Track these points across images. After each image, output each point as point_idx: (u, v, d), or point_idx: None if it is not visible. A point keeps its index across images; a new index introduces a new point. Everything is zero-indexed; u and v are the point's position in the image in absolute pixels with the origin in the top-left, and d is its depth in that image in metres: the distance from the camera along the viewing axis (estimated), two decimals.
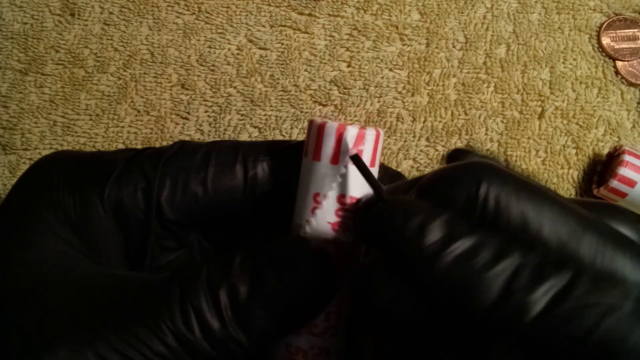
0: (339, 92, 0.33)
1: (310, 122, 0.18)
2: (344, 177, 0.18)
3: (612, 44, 0.34)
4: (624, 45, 0.34)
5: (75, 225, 0.18)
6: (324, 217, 0.18)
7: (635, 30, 0.34)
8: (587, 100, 0.33)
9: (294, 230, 0.18)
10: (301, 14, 0.34)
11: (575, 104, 0.33)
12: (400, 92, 0.33)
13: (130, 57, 0.33)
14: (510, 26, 0.34)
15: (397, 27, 0.34)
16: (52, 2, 0.34)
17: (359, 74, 0.33)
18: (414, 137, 0.32)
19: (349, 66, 0.33)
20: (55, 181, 0.19)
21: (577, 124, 0.33)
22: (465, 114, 0.33)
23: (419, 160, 0.32)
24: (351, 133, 0.17)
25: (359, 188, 0.18)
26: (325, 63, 0.33)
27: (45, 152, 0.32)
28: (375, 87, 0.33)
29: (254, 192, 0.20)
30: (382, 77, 0.33)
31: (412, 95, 0.33)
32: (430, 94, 0.33)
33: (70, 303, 0.16)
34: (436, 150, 0.32)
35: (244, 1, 0.34)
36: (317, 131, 0.18)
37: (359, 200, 0.18)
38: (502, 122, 0.33)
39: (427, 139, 0.33)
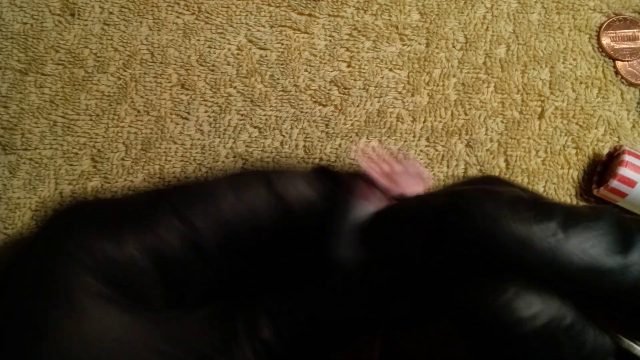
0: (339, 92, 0.33)
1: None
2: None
3: (612, 44, 0.34)
4: (624, 45, 0.34)
5: (110, 272, 0.18)
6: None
7: (635, 30, 0.34)
8: (587, 100, 0.33)
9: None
10: (301, 14, 0.34)
11: (575, 104, 0.33)
12: (400, 92, 0.33)
13: (130, 57, 0.33)
14: (510, 26, 0.34)
15: (397, 27, 0.34)
16: (52, 2, 0.34)
17: (359, 74, 0.33)
18: (414, 137, 0.32)
19: (349, 66, 0.34)
20: (83, 232, 0.18)
21: (577, 124, 0.33)
22: (465, 114, 0.33)
23: (419, 160, 0.32)
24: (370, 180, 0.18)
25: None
26: (325, 63, 0.33)
27: (45, 152, 0.32)
28: (375, 87, 0.33)
29: (287, 215, 0.19)
30: (382, 77, 0.33)
31: (412, 95, 0.33)
32: (430, 94, 0.33)
33: None
34: (436, 150, 0.32)
35: (244, 1, 0.34)
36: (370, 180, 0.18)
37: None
38: (502, 122, 0.33)
39: (427, 139, 0.33)
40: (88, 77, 0.33)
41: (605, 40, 0.34)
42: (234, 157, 0.32)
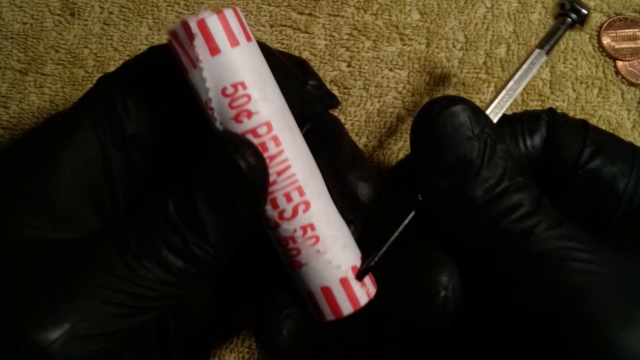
0: (339, 92, 0.33)
1: (168, 43, 0.18)
2: (209, 72, 0.17)
3: (612, 43, 0.34)
4: (625, 45, 0.34)
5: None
6: (224, 117, 0.18)
7: (635, 30, 0.34)
8: (588, 100, 0.33)
9: None
10: (301, 13, 0.34)
11: (576, 104, 0.33)
12: (400, 92, 0.33)
13: (130, 57, 0.33)
14: (511, 26, 0.34)
15: (397, 27, 0.34)
16: (52, 2, 0.34)
17: (359, 74, 0.33)
18: None
19: (349, 66, 0.33)
20: None
21: None
22: None
23: None
24: (181, 33, 0.17)
25: (231, 73, 0.18)
26: (325, 63, 0.33)
27: None
28: (376, 87, 0.33)
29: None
30: (383, 77, 0.33)
31: (412, 95, 0.33)
32: (431, 94, 0.33)
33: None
34: None
35: (244, 1, 0.34)
36: (171, 50, 0.18)
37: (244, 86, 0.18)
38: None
39: None
40: (88, 77, 0.33)
41: (605, 40, 0.34)
42: None
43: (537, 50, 0.23)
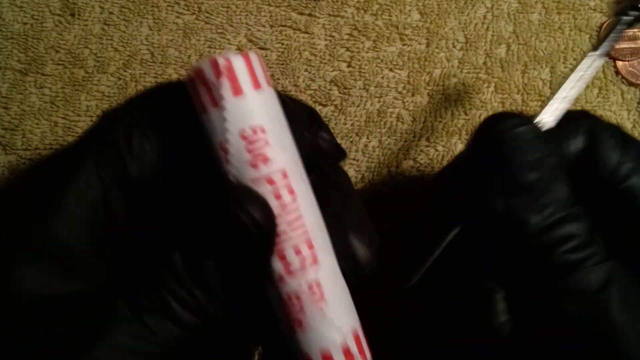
0: (339, 92, 0.33)
1: (187, 83, 0.18)
2: (231, 112, 0.17)
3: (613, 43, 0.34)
4: (624, 45, 0.34)
5: None
6: (240, 160, 0.17)
7: (635, 30, 0.34)
8: (588, 100, 0.33)
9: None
10: (301, 14, 0.34)
11: (576, 104, 0.33)
12: (400, 92, 0.33)
13: (130, 57, 0.33)
14: (511, 26, 0.34)
15: (397, 27, 0.34)
16: (52, 2, 0.34)
17: (359, 74, 0.33)
18: (414, 137, 0.33)
19: (349, 66, 0.34)
20: None
21: None
22: (466, 114, 0.33)
23: (419, 160, 0.32)
24: (207, 70, 0.17)
25: (252, 116, 0.17)
26: (325, 63, 0.33)
27: (45, 153, 0.32)
28: (376, 87, 0.33)
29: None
30: (383, 77, 0.33)
31: (412, 95, 0.33)
32: (431, 94, 0.33)
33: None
34: (436, 150, 0.32)
35: (244, 1, 0.34)
36: (190, 89, 0.18)
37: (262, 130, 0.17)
38: None
39: (427, 139, 0.33)
40: (88, 78, 0.33)
41: None
42: None
43: (591, 53, 0.22)
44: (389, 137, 0.33)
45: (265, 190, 0.17)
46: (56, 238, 0.18)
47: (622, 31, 0.23)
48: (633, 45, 0.34)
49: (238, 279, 0.17)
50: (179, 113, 0.18)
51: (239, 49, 0.34)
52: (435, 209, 0.23)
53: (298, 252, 0.18)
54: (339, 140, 0.32)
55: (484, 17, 0.34)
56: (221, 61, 0.17)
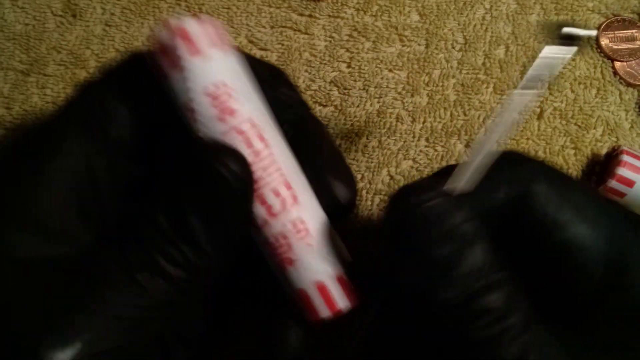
0: (339, 93, 0.33)
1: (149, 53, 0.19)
2: (191, 71, 0.18)
3: (610, 44, 0.34)
4: (623, 46, 0.34)
5: None
6: (207, 116, 0.18)
7: (633, 31, 0.34)
8: (586, 100, 0.33)
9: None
10: (301, 15, 0.34)
11: (574, 105, 0.33)
12: (399, 93, 0.33)
13: None
14: (509, 27, 0.35)
15: (396, 28, 0.34)
16: (54, 3, 0.34)
17: (359, 75, 0.33)
18: (413, 137, 0.33)
19: (348, 67, 0.34)
20: None
21: (575, 124, 0.33)
22: (465, 114, 0.33)
23: (418, 160, 0.32)
24: (163, 34, 0.18)
25: (212, 73, 0.18)
26: (325, 64, 0.34)
27: None
28: (375, 87, 0.33)
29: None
30: (382, 78, 0.34)
31: (412, 95, 0.33)
32: (430, 95, 0.33)
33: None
34: (435, 150, 0.33)
35: (244, 2, 0.35)
36: (152, 57, 0.18)
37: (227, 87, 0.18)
38: None
39: (427, 140, 0.33)
40: (90, 78, 0.33)
41: (603, 41, 0.34)
42: None
43: (515, 91, 0.19)
44: (388, 137, 0.33)
45: (236, 141, 0.18)
46: (41, 205, 0.18)
47: (550, 62, 0.18)
48: (631, 46, 0.34)
49: (223, 230, 0.18)
50: (150, 76, 0.19)
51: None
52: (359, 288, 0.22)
53: (277, 194, 0.18)
54: (338, 141, 0.32)
55: (483, 18, 0.35)
56: (175, 23, 0.18)
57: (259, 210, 0.18)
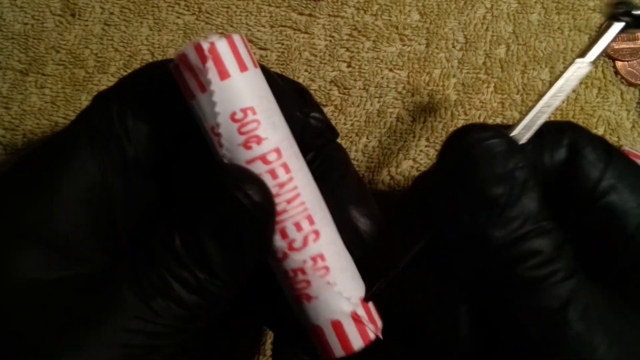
0: (339, 92, 0.33)
1: (172, 69, 0.18)
2: (220, 96, 0.17)
3: (611, 44, 0.34)
4: (624, 45, 0.34)
5: None
6: (232, 143, 0.17)
7: (634, 30, 0.34)
8: (587, 100, 0.33)
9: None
10: (301, 14, 0.34)
11: (575, 104, 0.33)
12: (400, 92, 0.33)
13: (131, 57, 0.33)
14: (510, 26, 0.34)
15: (397, 28, 0.34)
16: (53, 3, 0.34)
17: (359, 74, 0.33)
18: (413, 137, 0.33)
19: (349, 66, 0.34)
20: None
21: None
22: (465, 114, 0.33)
23: (418, 160, 0.32)
24: (192, 55, 0.17)
25: (241, 98, 0.17)
26: (325, 63, 0.34)
27: None
28: (375, 87, 0.33)
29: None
30: (382, 78, 0.33)
31: (412, 95, 0.33)
32: (430, 94, 0.33)
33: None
34: (436, 150, 0.32)
35: (244, 1, 0.34)
36: (176, 75, 0.18)
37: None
38: (502, 122, 0.33)
39: (427, 139, 0.33)
40: (89, 78, 0.33)
41: None
42: None
43: (578, 60, 0.20)
44: (388, 137, 0.33)
45: (261, 170, 0.17)
46: (53, 223, 0.18)
47: (613, 38, 0.21)
48: (632, 46, 0.34)
49: (240, 258, 0.17)
50: (171, 92, 0.18)
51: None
52: (403, 220, 0.23)
53: (299, 228, 0.18)
54: (338, 141, 0.32)
55: (484, 17, 0.34)
56: (205, 45, 0.17)
57: (280, 243, 0.18)
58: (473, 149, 0.18)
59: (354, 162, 0.32)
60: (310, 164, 0.20)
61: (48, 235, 0.18)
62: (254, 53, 0.34)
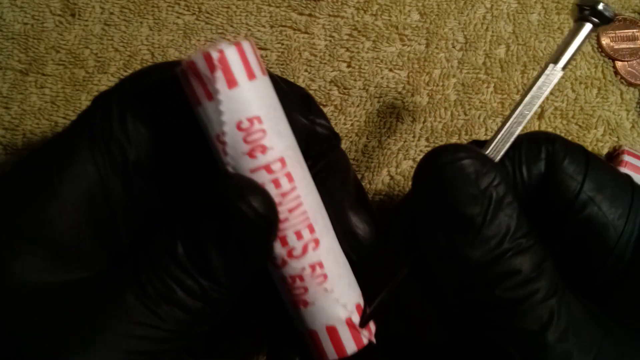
0: (339, 92, 0.33)
1: (178, 74, 0.18)
2: (227, 105, 0.17)
3: (611, 44, 0.34)
4: (624, 45, 0.34)
5: None
6: (237, 151, 0.17)
7: (634, 30, 0.34)
8: (587, 100, 0.33)
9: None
10: (301, 14, 0.34)
11: (575, 104, 0.33)
12: (400, 93, 0.33)
13: (131, 57, 0.33)
14: (510, 26, 0.34)
15: (397, 28, 0.34)
16: (53, 3, 0.34)
17: (359, 74, 0.33)
18: (413, 137, 0.33)
19: (349, 66, 0.34)
20: None
21: (576, 124, 0.33)
22: (465, 114, 0.33)
23: (418, 160, 0.32)
24: (201, 64, 0.17)
25: (248, 107, 0.17)
26: (325, 63, 0.34)
27: None
28: (375, 87, 0.33)
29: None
30: (382, 78, 0.33)
31: (412, 95, 0.33)
32: (430, 94, 0.33)
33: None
34: None
35: (244, 1, 0.34)
36: (182, 80, 0.17)
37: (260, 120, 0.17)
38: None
39: (427, 139, 0.33)
40: (89, 78, 0.33)
41: (604, 41, 0.34)
42: None
43: (551, 66, 0.20)
44: (388, 137, 0.33)
45: (264, 180, 0.17)
46: (53, 226, 0.18)
47: (583, 40, 0.20)
48: (632, 46, 0.34)
49: (241, 265, 0.17)
50: (173, 95, 0.18)
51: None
52: (389, 247, 0.22)
53: (300, 236, 0.18)
54: None
55: (484, 17, 0.35)
56: (214, 54, 0.17)
57: (280, 250, 0.18)
58: (446, 170, 0.18)
59: (354, 162, 0.32)
60: (312, 168, 0.20)
61: (47, 238, 0.18)
62: None
